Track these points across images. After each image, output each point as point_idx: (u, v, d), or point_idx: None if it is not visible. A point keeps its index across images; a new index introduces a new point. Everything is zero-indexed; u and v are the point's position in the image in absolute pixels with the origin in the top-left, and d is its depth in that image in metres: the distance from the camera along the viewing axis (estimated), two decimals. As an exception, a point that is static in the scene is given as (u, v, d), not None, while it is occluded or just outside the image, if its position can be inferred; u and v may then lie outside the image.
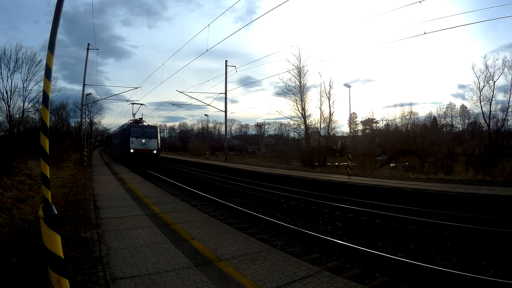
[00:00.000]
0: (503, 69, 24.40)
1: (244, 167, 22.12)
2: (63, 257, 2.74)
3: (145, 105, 27.83)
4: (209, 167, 24.86)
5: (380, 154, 31.55)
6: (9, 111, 32.70)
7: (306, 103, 32.07)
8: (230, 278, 3.47)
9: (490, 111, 25.05)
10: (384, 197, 10.87)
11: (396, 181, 12.94)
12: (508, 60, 24.41)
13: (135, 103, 27.93)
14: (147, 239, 4.84)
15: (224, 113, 30.42)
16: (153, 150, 20.76)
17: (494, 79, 24.73)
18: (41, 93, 3.01)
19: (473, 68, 26.45)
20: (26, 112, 34.59)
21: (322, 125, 33.43)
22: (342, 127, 65.74)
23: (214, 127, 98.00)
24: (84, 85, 24.95)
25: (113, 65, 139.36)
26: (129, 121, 25.30)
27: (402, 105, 55.57)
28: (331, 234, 6.87)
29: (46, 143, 2.79)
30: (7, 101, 32.49)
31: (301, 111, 31.97)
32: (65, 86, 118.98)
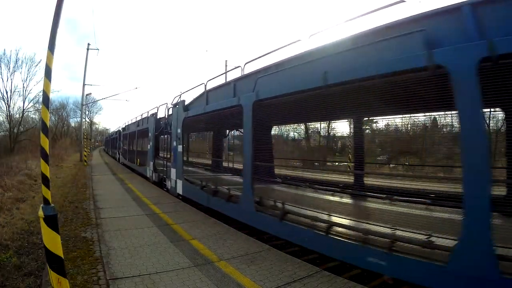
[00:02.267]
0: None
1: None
2: (63, 257, 2.74)
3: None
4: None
5: (380, 154, 31.58)
6: (9, 111, 32.88)
7: (307, 103, 31.98)
8: (230, 278, 3.47)
9: (490, 111, 25.07)
10: (384, 197, 10.80)
11: (397, 181, 12.92)
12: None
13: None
14: (147, 239, 4.84)
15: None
16: None
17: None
18: (41, 93, 3.00)
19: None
20: (26, 112, 34.77)
21: (322, 125, 33.45)
22: (342, 127, 65.51)
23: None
24: (84, 85, 24.94)
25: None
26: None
27: (402, 105, 55.33)
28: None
29: (46, 143, 2.79)
30: (7, 101, 32.69)
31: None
32: (65, 86, 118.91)
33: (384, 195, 5.25)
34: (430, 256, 2.99)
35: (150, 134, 12.57)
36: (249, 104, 5.33)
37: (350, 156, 7.32)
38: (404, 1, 3.48)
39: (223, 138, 10.79)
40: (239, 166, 8.66)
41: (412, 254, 3.10)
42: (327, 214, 4.17)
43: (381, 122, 6.28)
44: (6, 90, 32.77)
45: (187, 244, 4.62)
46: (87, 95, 28.26)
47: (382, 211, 4.56)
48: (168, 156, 10.02)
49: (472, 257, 2.68)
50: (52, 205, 2.75)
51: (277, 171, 7.69)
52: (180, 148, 8.60)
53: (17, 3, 66.52)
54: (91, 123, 56.13)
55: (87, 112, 50.78)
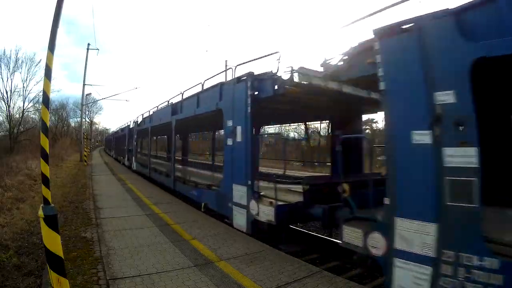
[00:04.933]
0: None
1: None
2: (63, 257, 2.74)
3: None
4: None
5: (380, 154, 31.50)
6: (9, 111, 32.87)
7: (307, 103, 31.86)
8: (230, 278, 3.47)
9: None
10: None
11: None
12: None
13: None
14: (147, 239, 4.84)
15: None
16: None
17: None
18: (41, 93, 3.00)
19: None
20: (26, 112, 34.78)
21: (322, 125, 33.44)
22: (342, 127, 65.36)
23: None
24: (84, 85, 24.96)
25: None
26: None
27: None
28: (331, 234, 6.87)
29: (46, 143, 2.79)
30: (7, 101, 32.68)
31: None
32: (65, 86, 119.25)
33: None
34: None
35: (231, 124, 5.97)
36: None
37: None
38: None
39: None
40: None
41: None
42: None
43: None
44: (6, 90, 32.78)
45: (187, 244, 4.62)
46: (87, 95, 28.32)
47: None
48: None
49: None
50: (52, 205, 2.75)
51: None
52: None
53: (17, 3, 66.57)
54: (91, 123, 56.10)
55: (87, 112, 50.75)
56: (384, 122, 3.79)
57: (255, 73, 5.48)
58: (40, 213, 2.66)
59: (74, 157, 29.19)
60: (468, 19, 2.93)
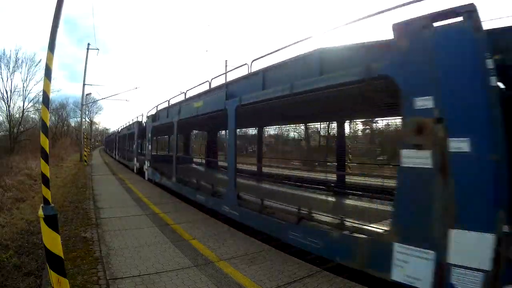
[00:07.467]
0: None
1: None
2: (63, 257, 2.74)
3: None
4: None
5: (380, 154, 31.43)
6: (9, 111, 32.91)
7: (307, 103, 31.83)
8: (230, 278, 3.47)
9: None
10: (385, 197, 10.69)
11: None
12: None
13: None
14: (147, 239, 4.84)
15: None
16: None
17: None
18: (41, 93, 3.00)
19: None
20: (26, 112, 34.83)
21: (322, 125, 33.42)
22: (342, 127, 65.42)
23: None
24: (84, 85, 24.96)
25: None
26: None
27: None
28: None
29: (46, 143, 2.80)
30: (7, 101, 32.73)
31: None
32: (65, 86, 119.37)
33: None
34: None
35: (430, 104, 2.74)
36: None
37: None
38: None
39: None
40: None
41: None
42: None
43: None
44: (6, 90, 32.86)
45: (187, 244, 4.62)
46: (87, 95, 28.27)
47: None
48: None
49: None
50: (52, 205, 2.75)
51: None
52: None
53: (17, 3, 66.57)
54: (91, 123, 56.11)
55: (87, 112, 50.88)
56: None
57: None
58: (40, 213, 2.66)
59: (74, 157, 29.19)
60: None
